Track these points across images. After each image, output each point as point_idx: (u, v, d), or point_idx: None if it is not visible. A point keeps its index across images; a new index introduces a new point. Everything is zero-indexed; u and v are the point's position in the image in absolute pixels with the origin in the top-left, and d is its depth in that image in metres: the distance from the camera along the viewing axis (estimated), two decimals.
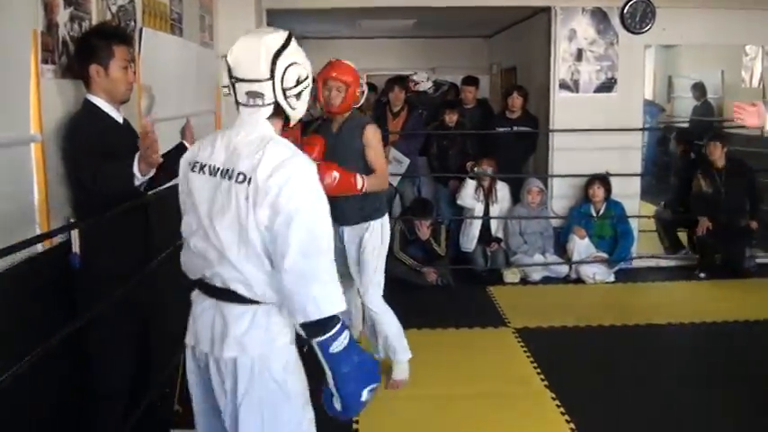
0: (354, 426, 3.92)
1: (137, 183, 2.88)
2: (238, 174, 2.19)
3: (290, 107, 2.30)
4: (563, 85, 7.31)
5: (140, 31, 3.97)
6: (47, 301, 2.88)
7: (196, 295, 2.39)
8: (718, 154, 6.97)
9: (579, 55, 7.26)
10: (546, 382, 4.46)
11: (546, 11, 7.38)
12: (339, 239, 4.32)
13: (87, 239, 2.95)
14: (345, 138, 4.32)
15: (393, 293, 6.22)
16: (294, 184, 2.14)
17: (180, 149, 3.45)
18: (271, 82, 2.23)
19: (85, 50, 3.01)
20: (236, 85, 2.26)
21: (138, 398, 3.18)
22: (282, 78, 2.24)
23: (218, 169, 2.25)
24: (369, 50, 11.42)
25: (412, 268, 6.69)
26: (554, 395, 4.29)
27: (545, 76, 7.50)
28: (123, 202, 2.96)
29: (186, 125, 3.52)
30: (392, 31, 10.63)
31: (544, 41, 7.51)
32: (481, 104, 8.45)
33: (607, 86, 7.30)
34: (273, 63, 2.22)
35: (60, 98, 3.06)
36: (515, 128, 7.37)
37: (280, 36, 2.27)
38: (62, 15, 3.07)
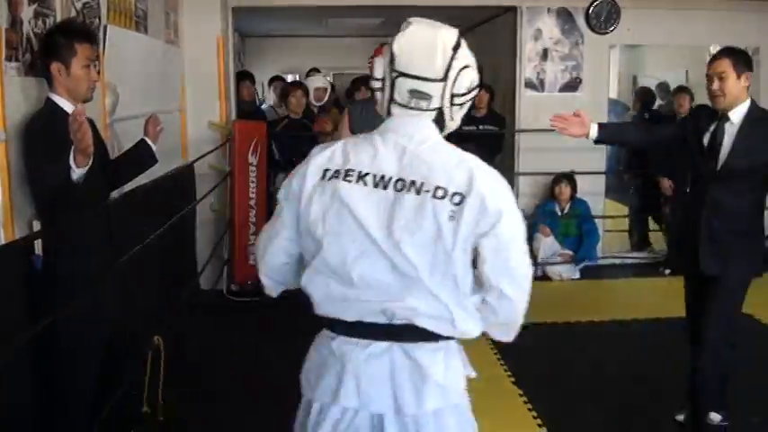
0: None
1: (74, 177, 2.71)
2: (436, 188, 1.81)
3: (451, 117, 1.94)
4: (529, 84, 7.36)
5: (105, 28, 3.93)
6: (8, 304, 2.83)
7: (344, 342, 1.93)
8: (686, 107, 7.04)
9: (545, 54, 7.31)
10: (513, 379, 4.48)
11: (512, 10, 7.42)
12: None
13: (50, 241, 2.90)
14: None
15: None
16: (511, 206, 1.87)
17: (141, 146, 3.42)
18: (443, 84, 1.87)
19: (48, 48, 2.96)
20: (398, 80, 1.88)
21: (105, 397, 3.15)
22: (455, 82, 1.88)
23: (390, 179, 1.85)
24: (335, 49, 11.41)
25: None
26: (521, 392, 4.32)
27: (511, 75, 7.54)
28: (67, 199, 2.81)
29: (150, 119, 3.46)
30: (359, 30, 10.60)
31: (510, 41, 7.54)
32: None
33: (572, 86, 7.36)
34: (450, 62, 1.87)
35: (24, 96, 3.01)
36: (481, 127, 7.40)
37: (454, 32, 1.92)
38: (26, 12, 3.03)
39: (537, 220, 7.22)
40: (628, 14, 7.05)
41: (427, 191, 1.81)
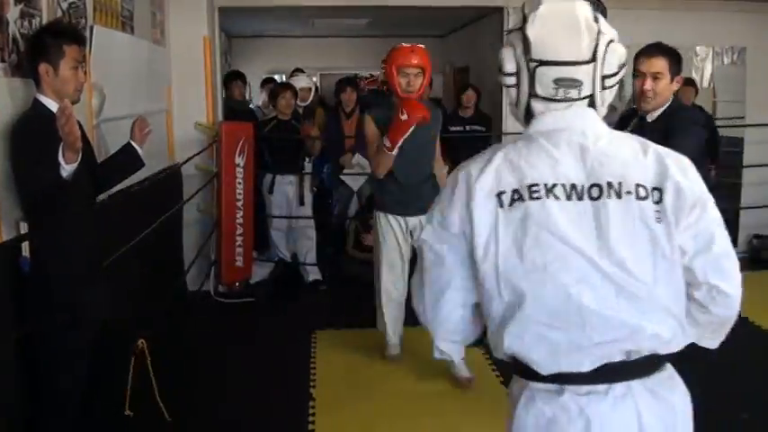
0: (310, 426, 3.92)
1: (64, 174, 2.68)
2: (637, 187, 1.56)
3: (602, 102, 1.66)
4: None
5: (91, 28, 3.91)
6: None
7: (578, 392, 1.58)
8: (692, 99, 6.97)
9: None
10: (501, 378, 4.48)
11: (498, 11, 7.43)
12: (409, 233, 4.51)
13: (38, 242, 2.88)
14: (425, 126, 4.34)
15: (351, 292, 6.22)
16: (705, 188, 1.62)
17: (127, 150, 3.38)
18: (592, 65, 1.60)
19: (36, 49, 2.93)
20: (539, 69, 1.61)
21: (93, 398, 3.14)
22: (604, 61, 1.62)
23: (582, 187, 1.57)
24: (322, 49, 11.42)
25: (366, 262, 6.68)
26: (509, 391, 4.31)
27: (497, 75, 7.52)
28: (56, 198, 2.78)
29: (137, 122, 3.41)
30: (345, 31, 10.62)
31: (497, 41, 7.54)
32: (434, 104, 8.49)
33: None
34: (597, 38, 1.61)
35: (11, 97, 2.98)
36: (468, 127, 7.41)
37: (587, 3, 1.66)
38: (12, 12, 3.01)
39: None
40: (613, 15, 6.95)
41: (629, 192, 1.56)
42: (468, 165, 1.67)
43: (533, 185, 1.56)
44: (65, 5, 3.58)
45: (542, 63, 1.61)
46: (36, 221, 2.89)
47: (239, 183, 6.17)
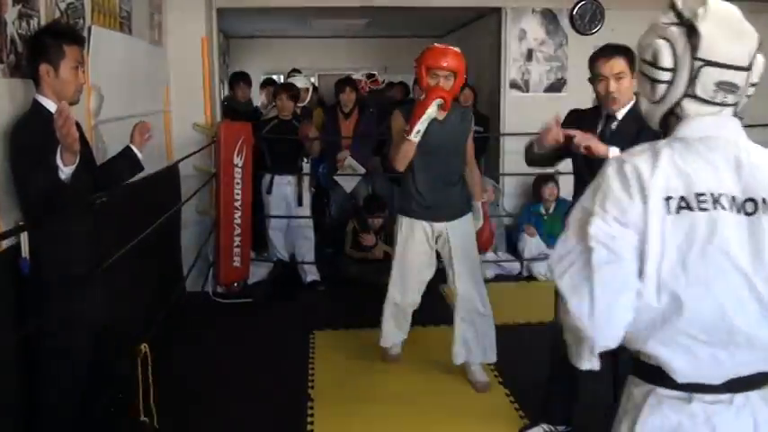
0: (309, 427, 3.92)
1: (62, 176, 2.69)
2: None
3: (740, 111, 1.63)
4: (513, 85, 7.39)
5: (89, 29, 3.91)
6: None
7: (704, 400, 1.58)
8: None
9: (529, 55, 7.35)
10: (500, 379, 4.49)
11: (496, 11, 7.44)
12: (435, 239, 4.37)
13: (37, 244, 2.88)
14: (454, 127, 4.28)
15: (350, 292, 6.21)
16: None
17: (126, 154, 3.38)
18: (747, 73, 1.56)
19: (36, 49, 2.94)
20: (704, 69, 1.55)
21: (92, 399, 3.14)
22: (754, 69, 1.59)
23: (740, 200, 1.52)
24: (320, 50, 11.42)
25: (364, 261, 6.70)
26: (508, 391, 4.33)
27: (495, 75, 7.56)
28: (55, 200, 2.78)
29: (138, 126, 3.40)
30: (344, 31, 10.62)
31: (495, 42, 7.57)
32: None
33: (557, 87, 7.40)
34: (758, 46, 1.57)
35: (9, 98, 2.99)
36: None
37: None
38: (11, 13, 3.01)
39: (521, 219, 7.24)
40: (612, 15, 7.08)
41: None
42: (630, 159, 1.60)
43: (701, 195, 1.52)
44: (63, 6, 3.58)
45: (709, 63, 1.55)
46: (35, 223, 2.89)
47: (237, 183, 6.16)
